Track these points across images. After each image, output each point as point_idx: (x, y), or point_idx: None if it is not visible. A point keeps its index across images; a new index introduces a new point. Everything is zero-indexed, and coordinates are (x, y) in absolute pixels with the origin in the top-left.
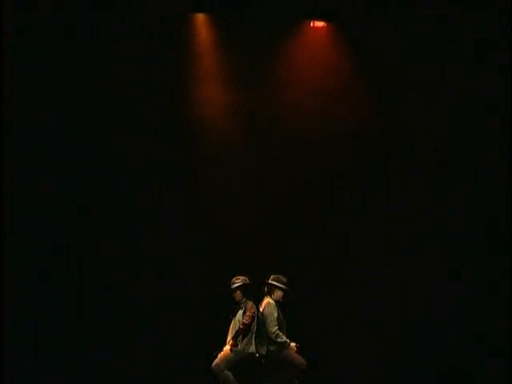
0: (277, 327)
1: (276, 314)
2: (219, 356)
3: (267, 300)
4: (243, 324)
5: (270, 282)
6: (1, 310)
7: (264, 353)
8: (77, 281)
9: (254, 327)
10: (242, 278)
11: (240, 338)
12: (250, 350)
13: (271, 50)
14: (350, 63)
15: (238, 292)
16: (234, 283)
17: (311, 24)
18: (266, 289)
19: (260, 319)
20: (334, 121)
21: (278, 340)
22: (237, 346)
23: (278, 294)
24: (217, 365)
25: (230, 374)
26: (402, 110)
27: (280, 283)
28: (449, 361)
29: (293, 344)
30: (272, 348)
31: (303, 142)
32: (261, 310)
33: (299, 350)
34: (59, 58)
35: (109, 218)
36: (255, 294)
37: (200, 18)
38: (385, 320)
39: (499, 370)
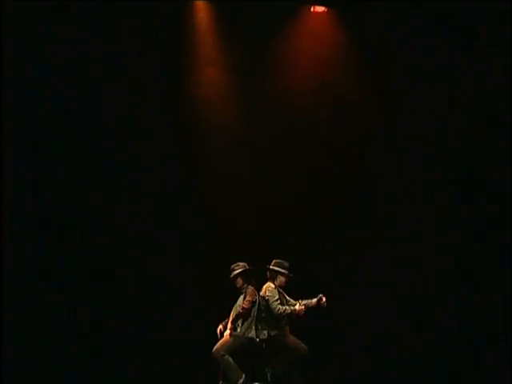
0: (280, 306)
1: (277, 296)
2: (219, 341)
3: (268, 284)
4: (243, 308)
5: (271, 267)
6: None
7: (264, 337)
8: (77, 280)
9: (255, 312)
10: (241, 264)
11: (240, 322)
12: (250, 335)
13: (271, 34)
14: (350, 48)
15: (239, 278)
16: (234, 270)
17: (311, 9)
18: (268, 274)
19: (262, 304)
20: (333, 104)
21: (286, 315)
22: (236, 330)
23: (281, 279)
24: (217, 350)
25: (230, 358)
26: (402, 93)
27: (282, 268)
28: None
29: (314, 300)
30: (273, 333)
31: (302, 123)
32: (261, 294)
33: (324, 303)
34: (60, 42)
35: (108, 206)
36: (256, 280)
37: (200, 4)
38: (385, 304)
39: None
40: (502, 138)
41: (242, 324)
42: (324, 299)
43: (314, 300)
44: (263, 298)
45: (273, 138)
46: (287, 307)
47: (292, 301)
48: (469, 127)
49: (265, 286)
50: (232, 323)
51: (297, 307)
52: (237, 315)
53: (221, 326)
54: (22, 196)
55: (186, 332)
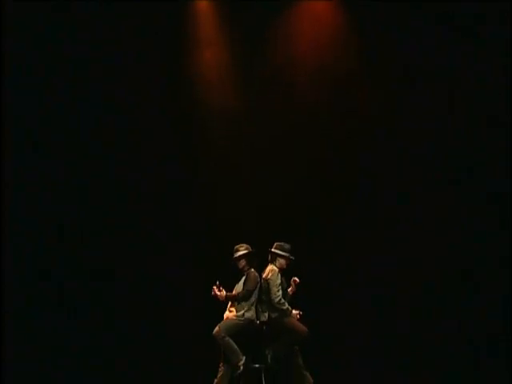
0: (280, 294)
1: (279, 281)
2: (220, 323)
3: (271, 267)
4: (245, 290)
5: (272, 250)
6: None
7: (265, 319)
8: (77, 280)
9: (256, 295)
10: (245, 245)
11: (241, 304)
12: (251, 317)
13: (272, 22)
14: (351, 39)
15: (243, 260)
16: (238, 251)
17: None
18: (269, 257)
19: (263, 286)
20: (333, 86)
21: (281, 307)
22: (238, 312)
23: (281, 261)
24: (218, 332)
25: (230, 340)
26: (404, 87)
27: (282, 251)
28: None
29: (295, 312)
30: (273, 315)
31: (302, 108)
32: (264, 276)
33: (301, 317)
34: (60, 42)
35: (107, 205)
36: (257, 263)
37: None
38: (385, 286)
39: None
40: (502, 137)
41: (243, 306)
42: (297, 279)
43: (290, 289)
44: (265, 280)
45: (273, 124)
46: (284, 301)
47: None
48: (469, 119)
49: (268, 269)
50: (229, 298)
51: (294, 311)
52: (237, 295)
53: (215, 288)
54: (22, 196)
55: (185, 331)
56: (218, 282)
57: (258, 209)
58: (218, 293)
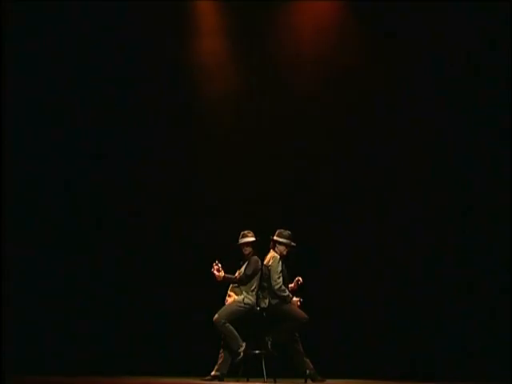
0: (281, 281)
1: (280, 268)
2: (220, 310)
3: (272, 254)
4: (244, 274)
5: (273, 238)
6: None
7: (265, 306)
8: (77, 279)
9: (258, 281)
10: (252, 232)
11: (241, 288)
12: (251, 303)
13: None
14: (355, 32)
15: (249, 247)
16: (245, 236)
17: None
18: (271, 244)
19: (265, 273)
20: (334, 71)
21: (281, 294)
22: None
23: (280, 248)
24: (218, 318)
25: (231, 327)
26: (402, 63)
27: (282, 238)
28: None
29: (295, 299)
30: (274, 301)
31: (303, 92)
32: (265, 263)
33: (301, 304)
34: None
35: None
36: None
37: None
38: (385, 272)
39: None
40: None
41: (241, 290)
42: (301, 280)
43: (291, 285)
44: (266, 267)
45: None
46: (284, 288)
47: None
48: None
49: (269, 256)
50: (228, 279)
51: (294, 298)
52: (236, 280)
53: (215, 266)
54: (22, 196)
55: (185, 318)
56: (217, 261)
57: (257, 196)
58: (217, 273)
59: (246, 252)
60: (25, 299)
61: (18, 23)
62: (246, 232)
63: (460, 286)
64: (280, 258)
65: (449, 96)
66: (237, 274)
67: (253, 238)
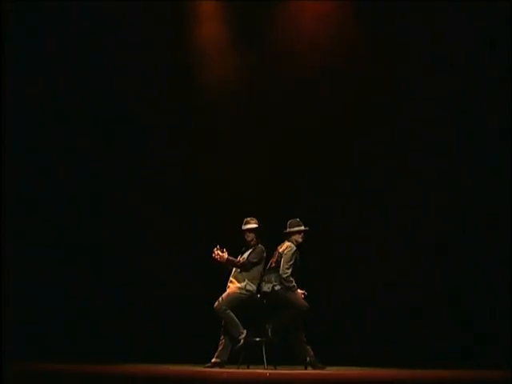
0: (289, 271)
1: (293, 261)
2: (221, 296)
3: (289, 243)
4: (247, 260)
5: (286, 231)
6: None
7: (268, 290)
8: (77, 279)
9: (261, 270)
10: (255, 219)
11: (243, 274)
12: (253, 291)
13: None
14: (355, 32)
15: (252, 233)
16: (248, 223)
17: None
18: (285, 237)
19: (277, 260)
20: (333, 60)
21: (287, 283)
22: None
23: (296, 237)
24: (219, 305)
25: (232, 313)
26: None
27: (293, 227)
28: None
29: (300, 291)
30: (277, 288)
31: (302, 81)
32: (280, 250)
33: (305, 297)
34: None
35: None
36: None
37: None
38: (385, 263)
39: None
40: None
41: (243, 277)
42: (305, 293)
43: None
44: (281, 254)
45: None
46: (292, 279)
47: None
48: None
49: (286, 244)
50: (229, 262)
51: (299, 291)
52: (238, 264)
53: (216, 249)
54: (22, 196)
55: (186, 305)
56: (218, 246)
57: (258, 183)
58: (221, 253)
59: (249, 238)
60: (25, 299)
61: (17, 23)
62: (248, 219)
63: (460, 285)
64: (296, 249)
65: (449, 96)
66: (239, 258)
67: (255, 225)
